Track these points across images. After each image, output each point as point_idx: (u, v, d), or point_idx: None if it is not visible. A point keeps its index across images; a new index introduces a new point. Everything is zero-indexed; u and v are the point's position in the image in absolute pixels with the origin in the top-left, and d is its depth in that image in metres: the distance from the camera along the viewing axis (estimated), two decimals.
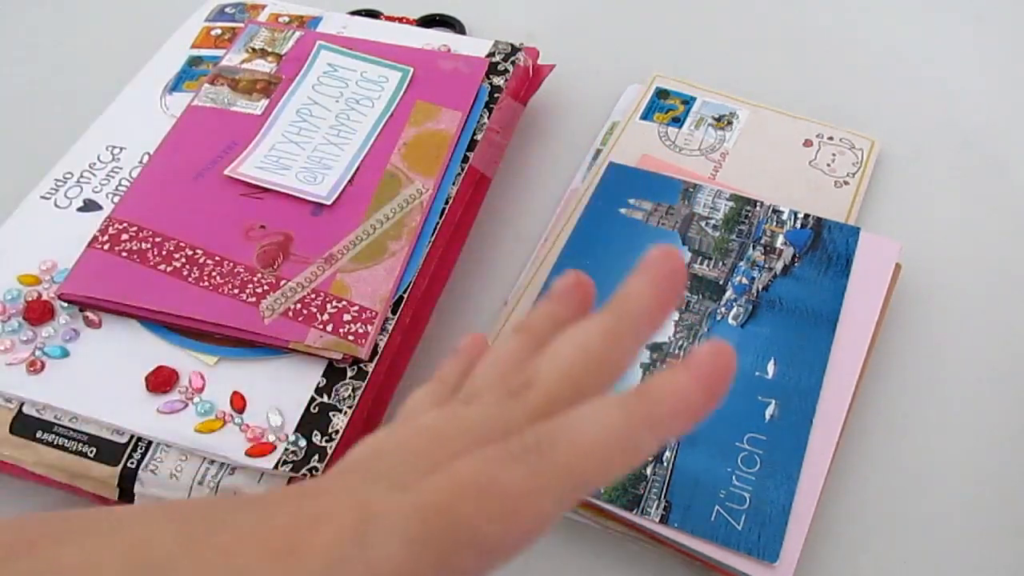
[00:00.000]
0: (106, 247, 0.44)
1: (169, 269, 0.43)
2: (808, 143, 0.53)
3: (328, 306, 0.42)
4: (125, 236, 0.44)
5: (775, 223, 0.47)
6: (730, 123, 0.54)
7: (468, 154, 0.48)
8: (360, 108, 0.50)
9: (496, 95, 0.51)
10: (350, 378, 0.41)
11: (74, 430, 0.40)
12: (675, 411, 0.21)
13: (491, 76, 0.51)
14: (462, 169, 0.48)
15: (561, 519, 0.21)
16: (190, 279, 0.43)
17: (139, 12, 0.64)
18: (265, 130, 0.49)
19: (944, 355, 0.46)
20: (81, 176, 0.49)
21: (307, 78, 0.51)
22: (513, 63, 0.52)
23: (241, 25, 0.55)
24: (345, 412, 0.40)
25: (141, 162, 0.49)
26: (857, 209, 0.50)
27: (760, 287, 0.45)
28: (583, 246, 0.47)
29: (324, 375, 0.41)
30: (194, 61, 0.54)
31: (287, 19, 0.56)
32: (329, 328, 0.41)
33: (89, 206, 0.47)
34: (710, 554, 0.37)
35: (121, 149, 0.50)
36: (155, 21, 0.59)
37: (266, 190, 0.46)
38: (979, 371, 0.45)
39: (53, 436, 0.40)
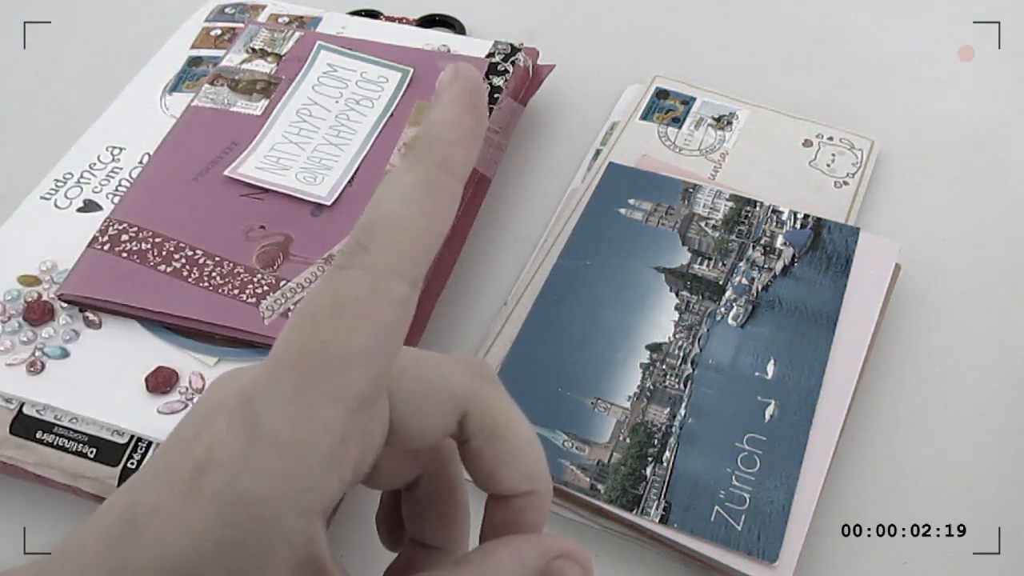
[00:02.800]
0: (106, 247, 0.44)
1: (169, 270, 0.43)
2: (808, 143, 0.53)
3: None
4: (125, 236, 0.44)
5: (775, 223, 0.47)
6: (730, 123, 0.54)
7: None
8: (360, 108, 0.50)
9: (496, 95, 0.51)
10: None
11: (74, 430, 0.40)
12: (453, 140, 0.21)
13: (491, 76, 0.51)
14: None
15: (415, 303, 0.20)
16: (190, 280, 0.43)
17: (139, 12, 0.64)
18: (265, 130, 0.49)
19: (943, 355, 0.46)
20: (81, 176, 0.49)
21: (307, 78, 0.51)
22: (513, 63, 0.52)
23: (241, 25, 0.55)
24: None
25: (141, 162, 0.49)
26: (857, 209, 0.50)
27: (760, 287, 0.45)
28: (583, 246, 0.47)
29: None
30: (194, 61, 0.54)
31: (287, 19, 0.56)
32: None
33: (89, 206, 0.47)
34: (710, 554, 0.37)
35: (121, 149, 0.50)
36: (155, 21, 0.59)
37: (266, 191, 0.46)
38: (978, 371, 0.45)
39: (53, 436, 0.40)
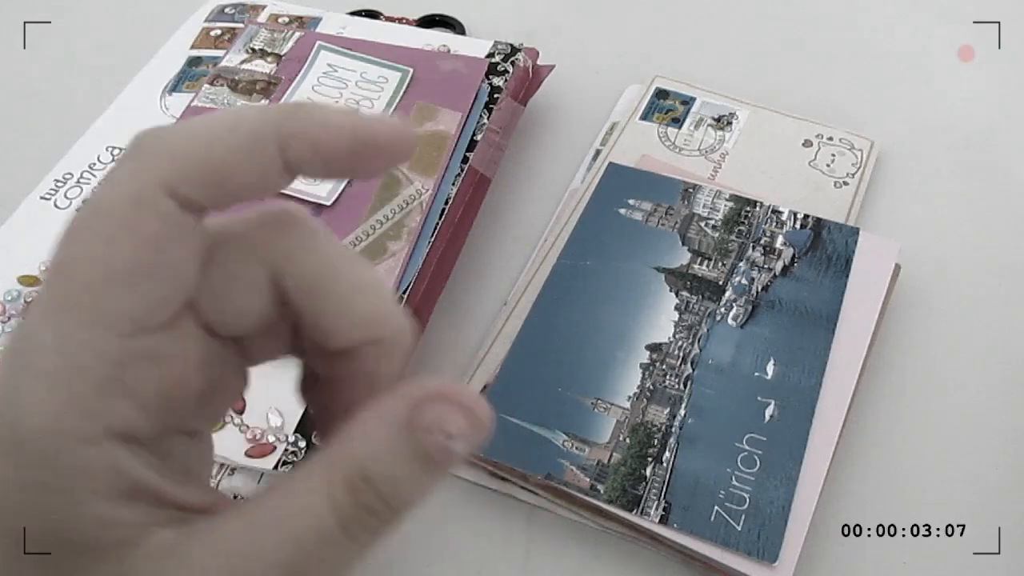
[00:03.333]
0: None
1: None
2: (808, 143, 0.53)
3: None
4: None
5: (775, 223, 0.47)
6: (730, 123, 0.54)
7: (468, 154, 0.48)
8: (360, 108, 0.50)
9: (496, 95, 0.51)
10: None
11: None
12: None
13: (491, 76, 0.51)
14: (462, 169, 0.48)
15: None
16: None
17: (139, 12, 0.64)
18: None
19: (943, 355, 0.46)
20: (81, 177, 0.49)
21: (307, 78, 0.51)
22: (513, 63, 0.52)
23: (241, 26, 0.55)
24: None
25: None
26: (857, 209, 0.50)
27: (760, 287, 0.45)
28: (583, 246, 0.47)
29: None
30: (194, 61, 0.54)
31: (287, 19, 0.56)
32: None
33: None
34: (710, 554, 0.37)
35: (121, 150, 0.50)
36: (155, 21, 0.59)
37: None
38: (978, 371, 0.45)
39: None
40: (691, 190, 0.49)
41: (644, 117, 0.55)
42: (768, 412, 0.40)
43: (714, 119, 0.54)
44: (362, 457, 0.19)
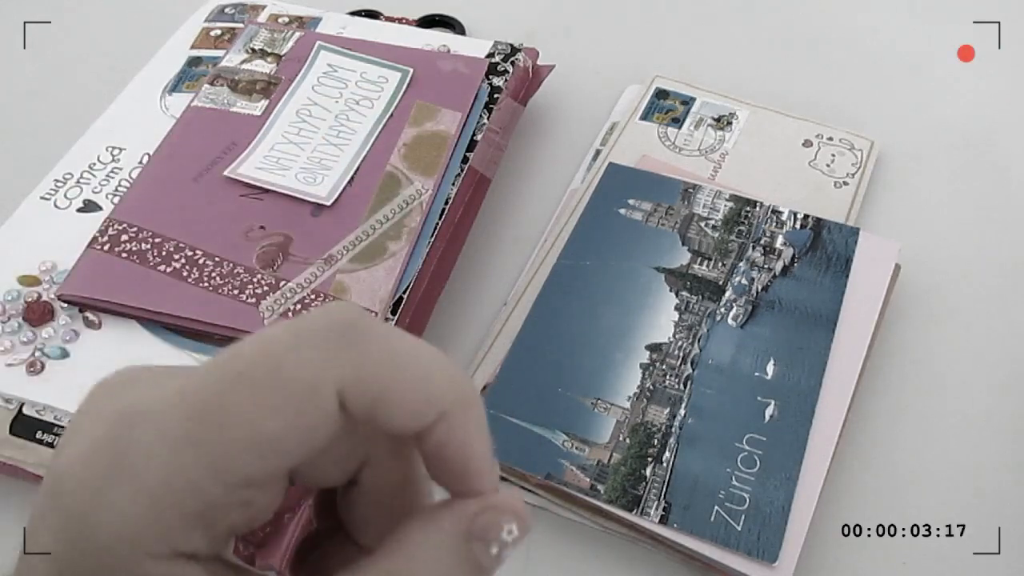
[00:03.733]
0: (106, 248, 0.44)
1: (169, 270, 0.43)
2: (808, 143, 0.53)
3: None
4: (125, 237, 0.44)
5: (775, 223, 0.47)
6: (729, 123, 0.54)
7: (468, 154, 0.48)
8: (360, 109, 0.50)
9: (496, 95, 0.51)
10: None
11: None
12: None
13: (491, 76, 0.51)
14: (462, 169, 0.48)
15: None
16: (190, 280, 0.43)
17: (139, 12, 0.64)
18: (265, 131, 0.49)
19: (943, 355, 0.46)
20: (81, 177, 0.49)
21: (307, 79, 0.51)
22: (513, 63, 0.52)
23: (241, 26, 0.55)
24: None
25: (141, 163, 0.49)
26: (857, 209, 0.50)
27: (759, 288, 0.45)
28: (583, 246, 0.47)
29: None
30: (194, 62, 0.54)
31: (287, 20, 0.56)
32: None
33: (89, 207, 0.47)
34: (710, 554, 0.37)
35: (121, 150, 0.50)
36: (155, 21, 0.59)
37: (266, 191, 0.46)
38: (978, 371, 0.45)
39: (53, 437, 0.40)
40: (691, 190, 0.49)
41: (644, 117, 0.55)
42: (768, 412, 0.40)
43: (714, 119, 0.54)
44: (415, 569, 0.19)
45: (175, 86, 0.53)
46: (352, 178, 0.46)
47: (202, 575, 0.19)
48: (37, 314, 0.43)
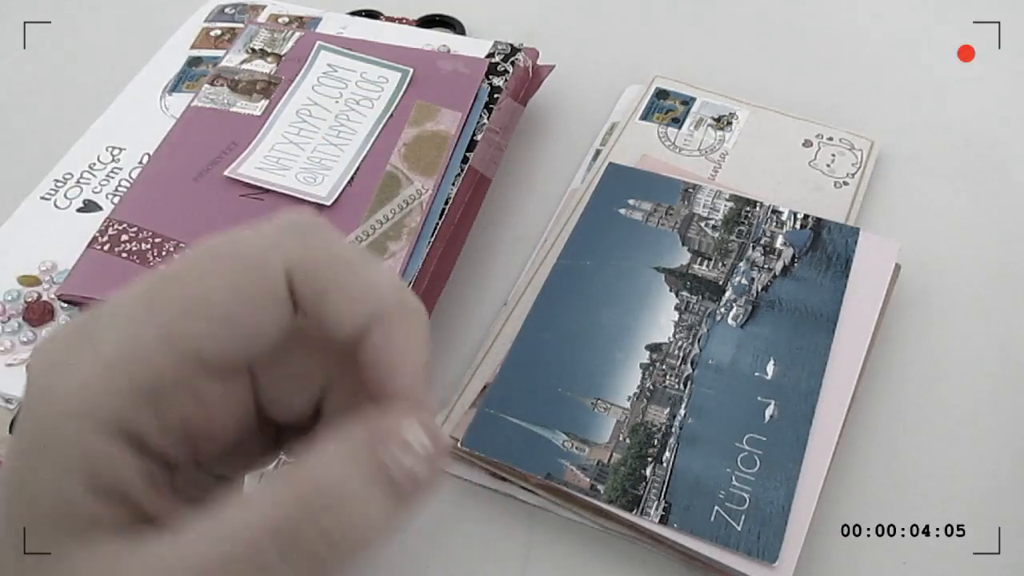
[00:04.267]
0: (106, 248, 0.44)
1: None
2: (808, 143, 0.53)
3: None
4: (125, 237, 0.44)
5: (775, 223, 0.47)
6: (730, 123, 0.54)
7: (468, 155, 0.48)
8: (360, 109, 0.50)
9: (496, 95, 0.51)
10: None
11: None
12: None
13: (491, 76, 0.51)
14: (462, 170, 0.48)
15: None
16: None
17: (139, 12, 0.64)
18: (265, 131, 0.49)
19: (943, 355, 0.46)
20: (81, 177, 0.49)
21: (307, 79, 0.51)
22: (513, 63, 0.52)
23: (241, 26, 0.55)
24: None
25: (141, 163, 0.49)
26: (857, 209, 0.50)
27: (760, 288, 0.45)
28: (583, 246, 0.47)
29: None
30: (194, 61, 0.54)
31: (287, 20, 0.56)
32: None
33: (89, 207, 0.47)
34: (710, 554, 0.37)
35: (121, 150, 0.50)
36: (155, 21, 0.59)
37: (266, 191, 0.46)
38: (978, 371, 0.45)
39: None
40: (691, 190, 0.49)
41: (644, 117, 0.55)
42: (768, 412, 0.40)
43: (714, 119, 0.54)
44: (318, 476, 0.18)
45: (175, 86, 0.53)
46: (352, 178, 0.47)
47: (137, 466, 0.19)
48: (37, 314, 0.43)
